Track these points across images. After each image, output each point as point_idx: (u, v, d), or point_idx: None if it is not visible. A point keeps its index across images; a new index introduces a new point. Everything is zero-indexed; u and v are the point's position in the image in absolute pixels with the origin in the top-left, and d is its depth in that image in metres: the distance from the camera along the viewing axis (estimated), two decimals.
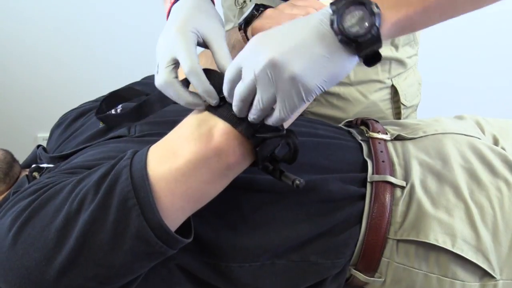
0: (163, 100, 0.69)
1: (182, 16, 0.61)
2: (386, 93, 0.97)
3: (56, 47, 1.69)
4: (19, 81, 1.73)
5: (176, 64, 0.59)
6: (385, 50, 0.94)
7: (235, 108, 0.54)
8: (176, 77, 0.59)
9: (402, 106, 0.99)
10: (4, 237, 0.54)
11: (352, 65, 0.51)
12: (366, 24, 0.48)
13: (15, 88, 1.74)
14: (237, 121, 0.56)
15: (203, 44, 0.62)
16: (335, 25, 0.48)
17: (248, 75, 0.50)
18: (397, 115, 1.00)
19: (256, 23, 0.69)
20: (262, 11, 0.73)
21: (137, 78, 0.98)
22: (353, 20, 0.48)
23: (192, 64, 0.57)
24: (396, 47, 0.95)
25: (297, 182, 0.56)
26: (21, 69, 1.71)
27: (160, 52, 0.60)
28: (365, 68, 0.93)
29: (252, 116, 0.54)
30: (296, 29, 0.50)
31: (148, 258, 0.56)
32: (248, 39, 0.73)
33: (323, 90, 0.50)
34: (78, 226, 0.52)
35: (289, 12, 0.65)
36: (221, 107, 0.58)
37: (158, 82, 0.60)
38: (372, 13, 0.48)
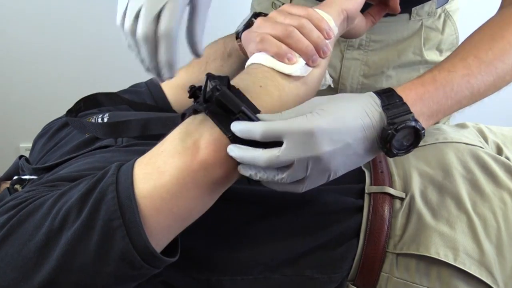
0: (144, 127, 0.71)
1: None
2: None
3: (40, 54, 1.69)
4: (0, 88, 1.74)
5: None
6: (431, 55, 0.99)
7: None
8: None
9: None
10: None
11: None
12: (407, 144, 0.58)
13: None
14: (227, 127, 0.56)
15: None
16: (388, 139, 0.56)
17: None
18: None
19: (245, 32, 0.69)
20: None
21: (126, 86, 1.00)
22: (400, 137, 0.57)
23: (171, 25, 0.57)
24: (441, 52, 0.99)
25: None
26: (2, 76, 1.72)
27: None
28: (407, 71, 0.98)
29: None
30: (347, 127, 0.56)
31: (131, 279, 0.56)
32: None
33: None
34: (59, 245, 0.52)
35: (282, 22, 0.65)
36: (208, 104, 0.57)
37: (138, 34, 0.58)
38: (418, 136, 0.57)
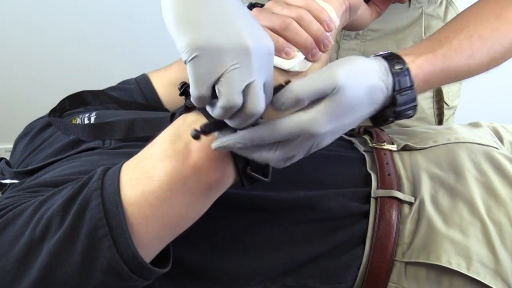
0: (129, 128, 0.71)
1: None
2: (428, 91, 0.99)
3: (22, 48, 1.69)
4: None
5: None
6: None
7: None
8: None
9: (444, 106, 1.02)
10: None
11: None
12: (415, 104, 0.59)
13: None
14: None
15: None
16: (387, 122, 0.59)
17: None
18: (439, 116, 1.04)
19: None
20: None
21: (114, 82, 0.98)
22: (405, 98, 0.58)
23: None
24: None
25: None
26: None
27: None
28: None
29: None
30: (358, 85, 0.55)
31: None
32: None
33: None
34: (41, 257, 0.51)
35: (279, 13, 0.64)
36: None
37: None
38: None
